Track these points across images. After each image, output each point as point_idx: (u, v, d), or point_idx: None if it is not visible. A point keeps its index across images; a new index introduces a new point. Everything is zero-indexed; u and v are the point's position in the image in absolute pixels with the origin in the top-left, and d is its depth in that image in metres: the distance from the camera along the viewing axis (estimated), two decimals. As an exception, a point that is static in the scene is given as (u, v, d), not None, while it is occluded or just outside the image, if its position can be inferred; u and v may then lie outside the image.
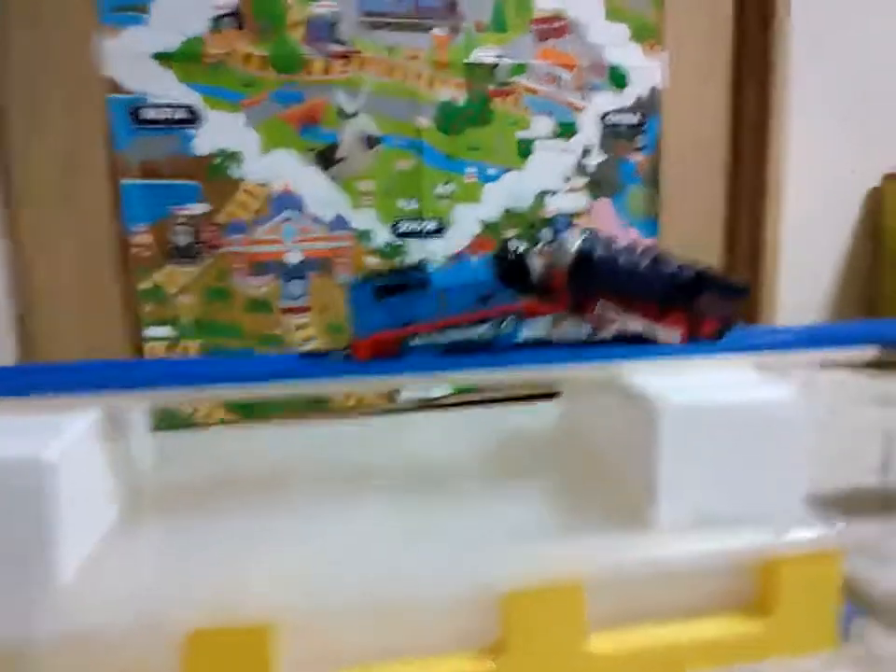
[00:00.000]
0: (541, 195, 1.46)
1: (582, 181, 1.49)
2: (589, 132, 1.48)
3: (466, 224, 1.42)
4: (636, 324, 0.71)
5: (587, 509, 0.69)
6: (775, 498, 0.65)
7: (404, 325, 0.67)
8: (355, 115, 1.29)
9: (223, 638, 0.54)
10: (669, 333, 0.71)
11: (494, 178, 1.42)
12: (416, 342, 0.67)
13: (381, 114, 1.31)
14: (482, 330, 0.68)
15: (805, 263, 1.67)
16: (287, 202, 1.28)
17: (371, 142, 1.32)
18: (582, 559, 0.60)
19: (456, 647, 0.59)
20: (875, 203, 1.68)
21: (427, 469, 0.78)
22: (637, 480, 0.67)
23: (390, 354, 0.67)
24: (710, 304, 0.71)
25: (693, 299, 0.71)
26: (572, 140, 1.47)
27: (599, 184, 1.51)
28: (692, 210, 1.60)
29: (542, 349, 0.70)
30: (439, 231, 1.40)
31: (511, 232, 1.44)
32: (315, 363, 0.70)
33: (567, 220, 1.50)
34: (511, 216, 1.45)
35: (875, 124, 1.66)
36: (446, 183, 1.38)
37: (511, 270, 0.69)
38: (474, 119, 1.39)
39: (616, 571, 0.60)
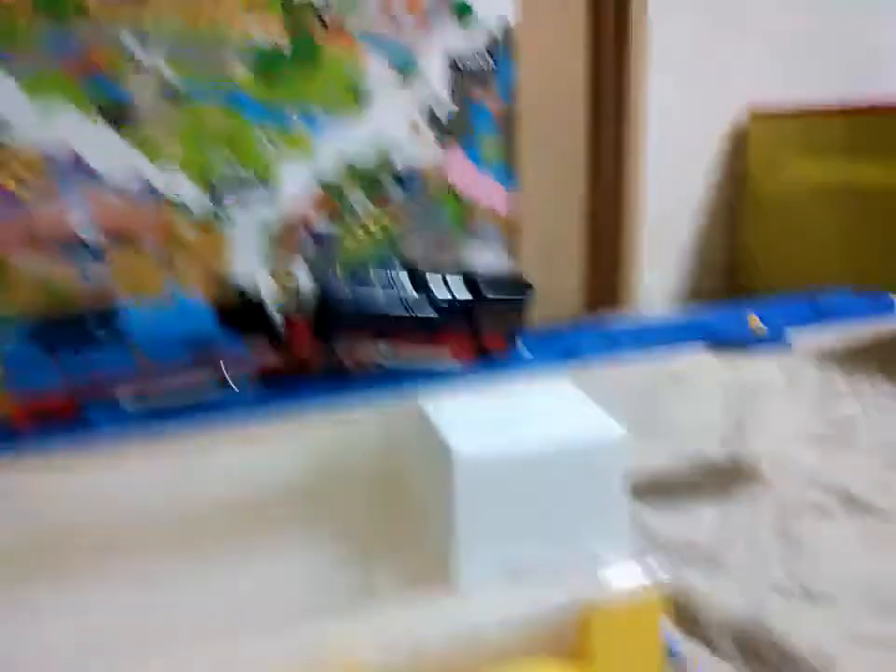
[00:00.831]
0: (385, 147, 1.32)
1: (431, 130, 1.35)
2: (435, 75, 1.34)
3: (299, 184, 1.27)
4: (407, 358, 0.60)
5: (384, 565, 0.58)
6: (592, 544, 0.56)
7: (83, 385, 0.52)
8: (149, 65, 1.11)
9: None
10: (446, 360, 0.61)
11: (327, 130, 1.27)
12: (102, 405, 0.53)
13: (183, 62, 1.13)
14: (194, 390, 0.54)
15: (669, 207, 1.59)
16: (75, 170, 1.10)
17: (174, 96, 1.14)
18: (365, 641, 0.50)
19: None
20: (739, 139, 1.61)
21: (198, 518, 0.65)
22: (439, 530, 0.57)
23: (62, 420, 0.52)
24: (490, 319, 0.61)
25: (468, 320, 0.60)
26: (416, 85, 1.32)
27: (450, 132, 1.37)
28: (552, 157, 1.49)
29: (293, 387, 0.57)
30: (267, 194, 1.24)
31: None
32: None
33: (417, 174, 1.36)
34: (352, 171, 1.30)
35: (738, 60, 1.58)
36: (270, 140, 1.22)
37: (241, 317, 0.56)
38: (299, 64, 1.22)
39: (402, 650, 0.50)
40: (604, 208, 1.54)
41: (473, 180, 1.41)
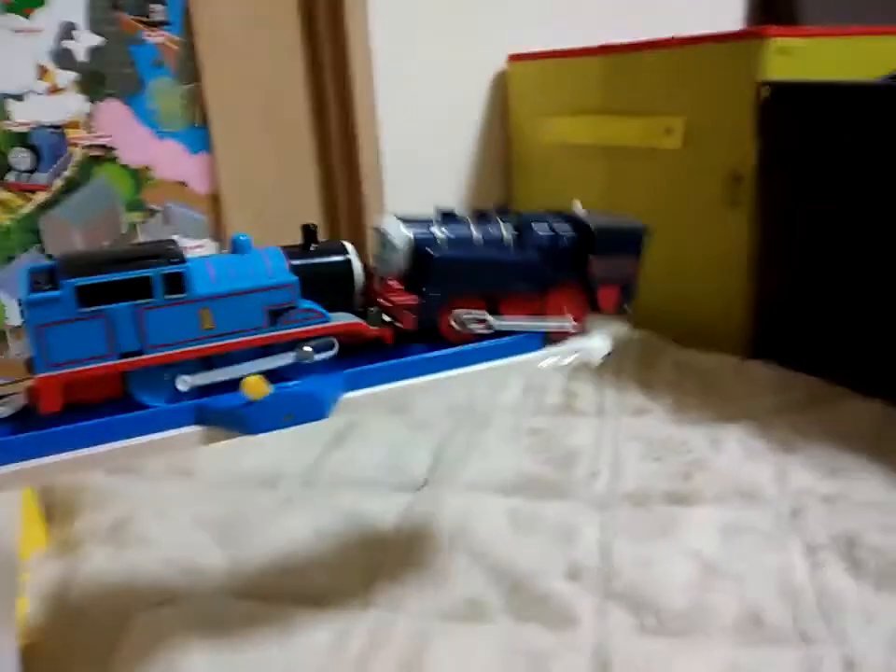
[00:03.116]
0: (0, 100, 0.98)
1: (70, 76, 1.02)
2: (63, 2, 0.99)
3: None
4: (513, 320, 0.51)
5: None
6: None
7: (130, 353, 0.39)
8: None
9: None
10: (559, 321, 0.52)
11: None
12: (161, 379, 0.40)
13: None
14: (269, 363, 0.42)
15: (428, 168, 1.31)
16: None
17: None
18: None
19: None
20: (501, 88, 1.34)
21: None
22: None
23: (105, 399, 0.40)
24: (604, 268, 0.53)
25: (581, 269, 0.52)
26: (38, 15, 0.98)
27: (100, 79, 1.04)
28: (257, 109, 1.17)
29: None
30: None
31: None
32: None
33: (56, 135, 1.03)
34: (-51, 136, 0.96)
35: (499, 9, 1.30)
36: None
37: (326, 278, 0.45)
38: None
39: None
40: (340, 179, 1.24)
41: (146, 141, 1.09)
